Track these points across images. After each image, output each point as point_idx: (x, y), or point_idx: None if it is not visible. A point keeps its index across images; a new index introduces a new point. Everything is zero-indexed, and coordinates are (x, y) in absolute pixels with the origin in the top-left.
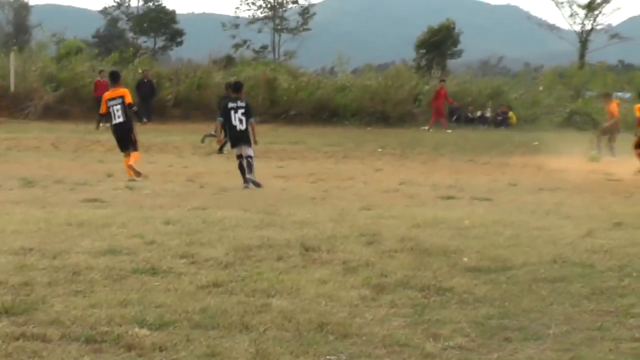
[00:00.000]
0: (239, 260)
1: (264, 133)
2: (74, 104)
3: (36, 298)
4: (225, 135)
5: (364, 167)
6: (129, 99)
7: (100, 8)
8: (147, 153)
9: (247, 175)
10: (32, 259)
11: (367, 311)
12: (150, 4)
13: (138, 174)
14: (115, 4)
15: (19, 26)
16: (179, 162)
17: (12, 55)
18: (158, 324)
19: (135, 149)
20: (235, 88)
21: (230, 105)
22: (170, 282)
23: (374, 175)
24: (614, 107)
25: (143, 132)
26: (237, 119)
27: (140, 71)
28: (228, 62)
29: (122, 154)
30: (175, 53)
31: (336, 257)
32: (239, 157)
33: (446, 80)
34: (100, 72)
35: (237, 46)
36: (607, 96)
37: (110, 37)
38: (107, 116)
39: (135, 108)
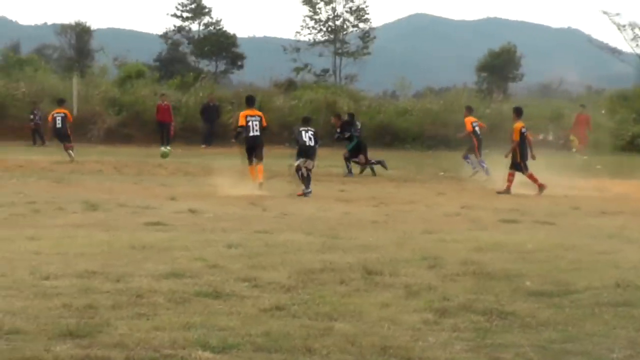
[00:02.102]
0: (302, 284)
1: (325, 156)
2: (136, 127)
3: (100, 321)
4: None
5: (426, 190)
6: (264, 122)
7: (161, 32)
8: (210, 176)
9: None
10: (95, 282)
11: (429, 335)
12: (211, 27)
13: (260, 184)
14: (175, 28)
15: (81, 50)
16: (242, 185)
17: (74, 80)
18: (221, 347)
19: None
20: (305, 121)
21: (302, 128)
22: (233, 305)
23: (436, 199)
24: (468, 122)
25: (203, 156)
26: (307, 137)
27: (201, 95)
28: (289, 85)
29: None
30: (236, 77)
31: (398, 281)
32: (299, 168)
33: (586, 105)
34: (162, 95)
35: (298, 69)
36: (468, 109)
37: (171, 61)
38: (241, 132)
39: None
